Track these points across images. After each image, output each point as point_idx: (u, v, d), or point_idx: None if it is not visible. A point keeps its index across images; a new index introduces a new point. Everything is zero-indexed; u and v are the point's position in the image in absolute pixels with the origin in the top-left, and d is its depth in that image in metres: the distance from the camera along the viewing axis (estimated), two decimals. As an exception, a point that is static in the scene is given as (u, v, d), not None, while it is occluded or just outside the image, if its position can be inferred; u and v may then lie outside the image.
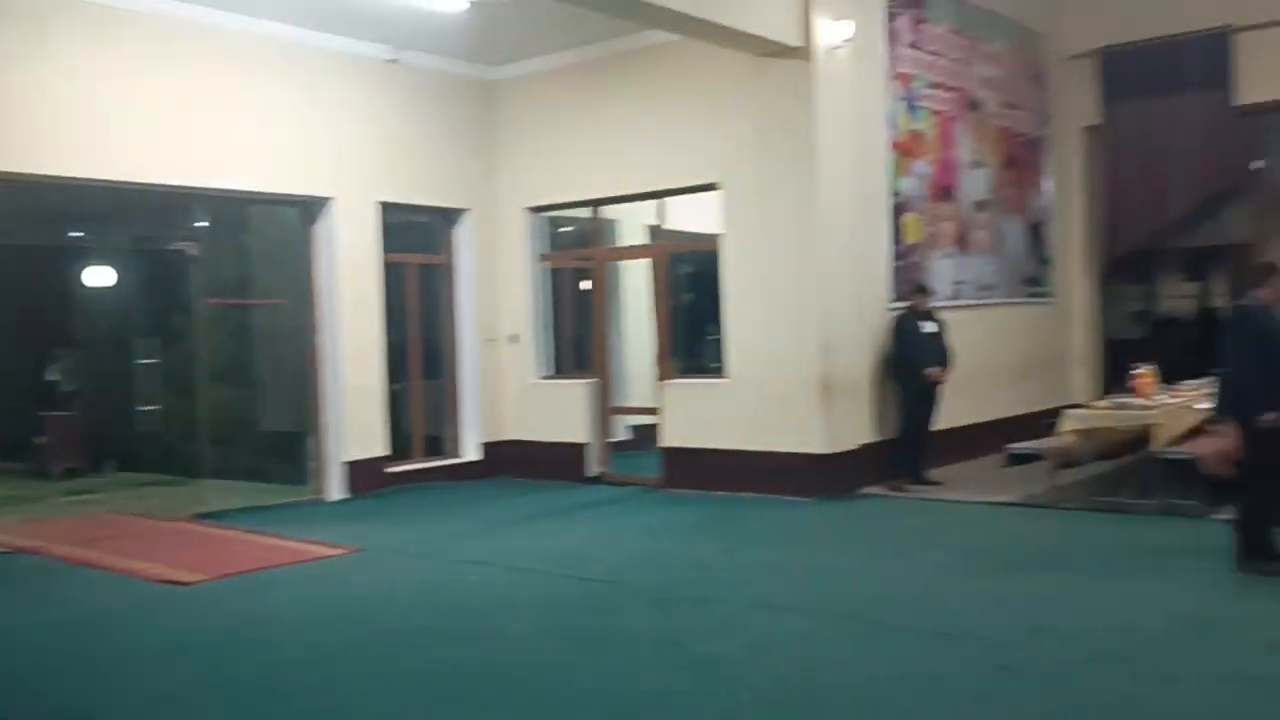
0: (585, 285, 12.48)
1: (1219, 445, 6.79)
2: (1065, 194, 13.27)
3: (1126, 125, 12.40)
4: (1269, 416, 6.19)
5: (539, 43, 11.38)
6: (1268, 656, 5.02)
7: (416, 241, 12.01)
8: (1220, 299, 13.16)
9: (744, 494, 10.02)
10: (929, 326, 10.12)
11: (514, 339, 12.15)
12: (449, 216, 12.11)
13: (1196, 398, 8.86)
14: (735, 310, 10.38)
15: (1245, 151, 12.13)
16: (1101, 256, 13.23)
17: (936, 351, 10.02)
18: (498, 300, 12.19)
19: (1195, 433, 8.50)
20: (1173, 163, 12.02)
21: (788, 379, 9.85)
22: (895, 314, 10.24)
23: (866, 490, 9.92)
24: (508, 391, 12.20)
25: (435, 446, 12.10)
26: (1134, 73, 12.26)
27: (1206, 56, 11.78)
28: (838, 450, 9.79)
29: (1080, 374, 13.18)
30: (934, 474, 10.13)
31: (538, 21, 10.50)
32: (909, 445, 10.05)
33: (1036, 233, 12.94)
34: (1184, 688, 4.62)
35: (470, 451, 12.09)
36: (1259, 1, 11.55)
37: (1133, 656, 5.04)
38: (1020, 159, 12.69)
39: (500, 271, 12.22)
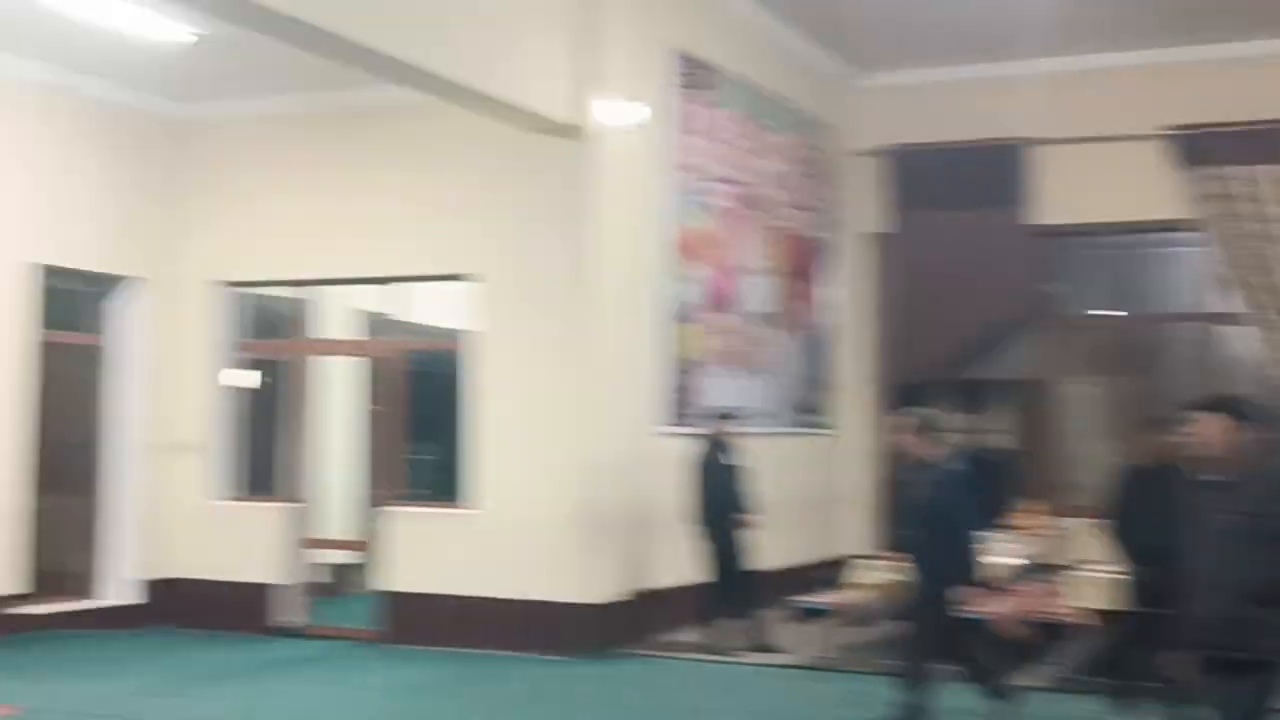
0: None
1: (1016, 605, 6.69)
2: (848, 309, 11.74)
3: (915, 236, 11.14)
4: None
5: (250, 77, 9.06)
6: None
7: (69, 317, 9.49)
8: (997, 436, 11.98)
9: (486, 650, 8.29)
10: (730, 458, 8.33)
11: (199, 449, 9.61)
12: (112, 286, 9.61)
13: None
14: (484, 425, 8.57)
15: (1038, 275, 11.13)
16: (882, 383, 11.74)
17: (741, 490, 8.29)
18: (178, 397, 9.68)
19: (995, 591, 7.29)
20: (961, 282, 10.83)
21: (545, 512, 8.18)
22: (699, 444, 8.41)
23: (635, 648, 8.33)
24: (178, 516, 9.60)
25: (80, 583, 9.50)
26: (926, 179, 11.00)
27: (1001, 169, 10.75)
28: (604, 600, 8.21)
29: (853, 518, 11.51)
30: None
31: (249, 51, 8.04)
32: (723, 598, 8.33)
33: (816, 353, 11.48)
34: None
35: (120, 591, 9.50)
36: (1058, 115, 10.38)
37: None
38: (804, 267, 11.32)
39: (181, 361, 9.71)
